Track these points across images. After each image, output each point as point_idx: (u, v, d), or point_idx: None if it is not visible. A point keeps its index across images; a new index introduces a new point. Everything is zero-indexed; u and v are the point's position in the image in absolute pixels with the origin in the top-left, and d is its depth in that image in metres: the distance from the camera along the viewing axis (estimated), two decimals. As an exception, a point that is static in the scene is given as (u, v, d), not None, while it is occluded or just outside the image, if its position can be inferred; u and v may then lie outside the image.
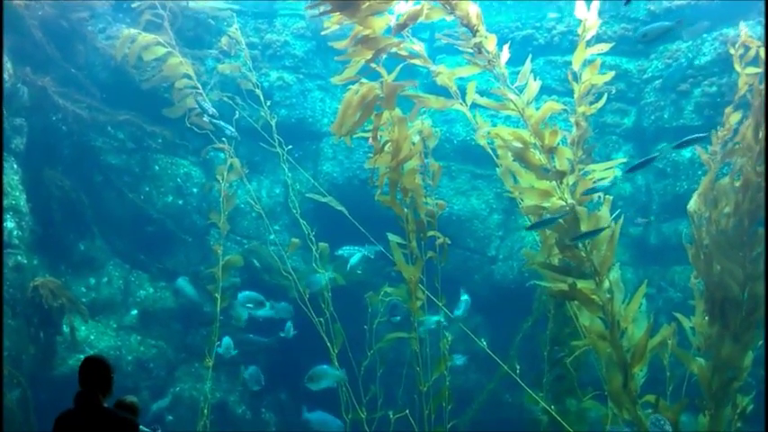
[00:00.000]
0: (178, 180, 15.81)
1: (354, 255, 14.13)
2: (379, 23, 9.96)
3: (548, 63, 16.12)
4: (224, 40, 15.24)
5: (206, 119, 13.98)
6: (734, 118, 11.01)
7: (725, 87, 14.86)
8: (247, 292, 14.38)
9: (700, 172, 14.77)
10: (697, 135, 10.65)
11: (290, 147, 13.68)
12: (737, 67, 10.74)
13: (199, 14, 15.97)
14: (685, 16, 15.66)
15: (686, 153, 15.22)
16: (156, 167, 15.74)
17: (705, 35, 15.58)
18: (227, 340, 13.99)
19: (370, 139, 12.09)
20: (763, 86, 10.26)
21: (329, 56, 16.41)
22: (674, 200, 15.26)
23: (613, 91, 13.30)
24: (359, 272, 14.25)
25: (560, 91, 15.15)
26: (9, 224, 13.33)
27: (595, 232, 9.85)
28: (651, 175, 15.71)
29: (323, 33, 11.09)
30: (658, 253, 15.47)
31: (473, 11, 9.36)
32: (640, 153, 15.76)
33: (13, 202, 13.52)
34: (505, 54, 9.90)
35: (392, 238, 11.27)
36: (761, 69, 10.81)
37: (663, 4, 16.00)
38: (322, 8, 9.86)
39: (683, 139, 10.86)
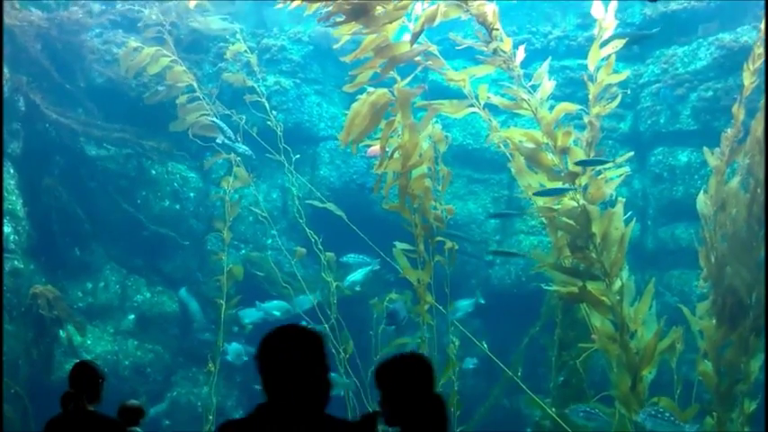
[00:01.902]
0: (175, 184, 15.73)
1: (358, 272, 13.98)
2: (393, 27, 9.90)
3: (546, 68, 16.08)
4: (228, 53, 15.15)
5: (220, 140, 13.94)
6: (741, 115, 10.99)
7: (721, 92, 14.93)
8: (276, 302, 14.24)
9: (696, 176, 14.85)
10: (598, 158, 10.66)
11: (297, 156, 13.63)
12: (751, 65, 10.71)
13: (201, 30, 15.91)
14: (682, 21, 15.80)
15: (683, 157, 15.29)
16: (153, 172, 15.64)
17: (701, 40, 15.66)
18: (235, 347, 13.86)
19: (371, 150, 12.06)
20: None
21: (326, 60, 16.40)
22: (670, 204, 15.33)
23: (628, 92, 13.35)
24: (357, 288, 14.09)
25: (558, 96, 15.02)
26: (6, 229, 13.26)
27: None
28: (648, 179, 15.76)
29: (335, 46, 11.03)
30: (655, 257, 15.50)
31: (490, 9, 9.33)
32: (637, 157, 15.79)
33: (10, 206, 13.45)
34: (521, 54, 9.88)
35: (399, 245, 11.22)
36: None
37: (659, 9, 16.05)
38: (336, 19, 9.75)
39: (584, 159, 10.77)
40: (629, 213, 10.44)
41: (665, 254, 15.32)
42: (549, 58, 10.44)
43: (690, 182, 15.01)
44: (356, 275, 13.91)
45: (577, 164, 9.95)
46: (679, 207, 14.79)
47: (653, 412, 9.93)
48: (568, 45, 16.56)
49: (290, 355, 4.11)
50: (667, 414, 9.89)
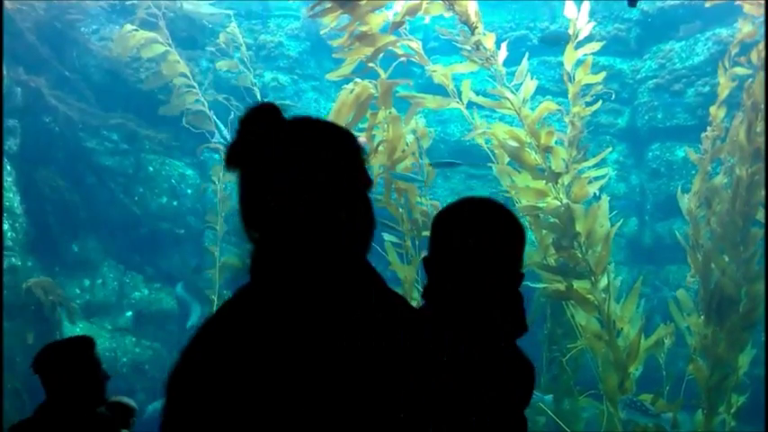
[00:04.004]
0: (172, 181, 15.79)
1: None
2: (378, 20, 9.94)
3: (541, 63, 16.10)
4: (222, 37, 15.15)
5: (216, 140, 13.98)
6: (720, 114, 11.03)
7: (718, 87, 14.90)
8: None
9: (693, 171, 14.82)
10: (453, 161, 10.74)
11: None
12: (727, 65, 10.78)
13: (192, 15, 15.95)
14: (679, 17, 15.78)
15: (680, 153, 15.28)
16: (150, 168, 15.72)
17: (698, 35, 15.66)
18: None
19: (363, 138, 12.08)
20: (761, 86, 10.26)
21: (323, 57, 16.42)
22: (667, 199, 15.29)
23: (613, 96, 13.36)
24: None
25: (554, 91, 15.15)
26: (3, 226, 13.32)
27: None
28: (645, 174, 15.77)
29: (322, 32, 11.08)
30: (652, 252, 15.52)
31: (472, 8, 9.36)
32: (634, 153, 15.82)
33: (7, 203, 13.52)
34: (503, 52, 9.89)
35: (388, 237, 11.22)
36: (750, 72, 10.84)
37: (656, 5, 16.04)
38: (321, 7, 9.80)
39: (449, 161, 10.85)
40: (614, 212, 10.45)
41: (663, 249, 15.32)
42: (527, 54, 10.43)
43: (687, 177, 14.95)
44: None
45: (432, 165, 10.44)
46: (676, 202, 14.73)
47: (628, 402, 10.00)
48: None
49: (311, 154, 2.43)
50: (639, 403, 9.95)
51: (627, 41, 16.20)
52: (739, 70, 10.77)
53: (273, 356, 2.20)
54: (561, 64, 15.64)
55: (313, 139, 2.37)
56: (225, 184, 14.07)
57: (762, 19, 10.71)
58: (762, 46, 10.46)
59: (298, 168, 2.30)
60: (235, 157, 2.39)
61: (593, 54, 10.44)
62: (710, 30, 15.53)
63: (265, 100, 14.18)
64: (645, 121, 15.88)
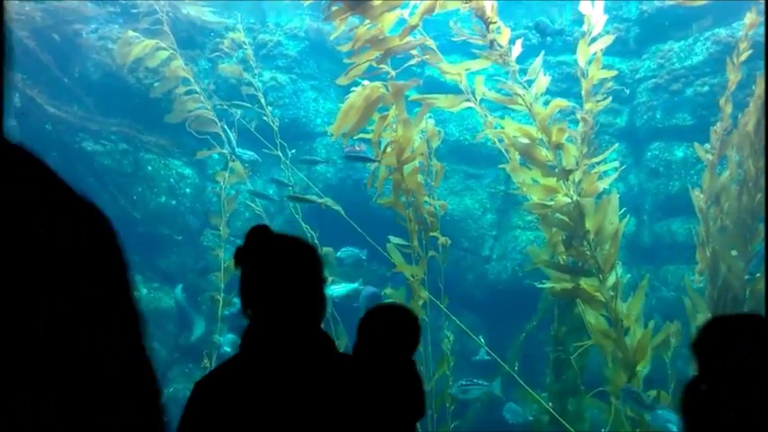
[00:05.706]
0: (171, 180, 15.71)
1: (341, 287, 13.83)
2: (390, 19, 9.89)
3: (542, 63, 16.04)
4: (226, 42, 15.12)
5: (227, 149, 13.94)
6: (728, 109, 11.07)
7: (717, 87, 14.93)
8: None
9: (692, 171, 14.85)
10: (366, 156, 10.96)
11: (293, 151, 13.62)
12: (735, 60, 10.81)
13: (194, 19, 15.91)
14: (678, 16, 15.80)
15: (679, 152, 15.30)
16: (149, 168, 15.62)
17: (697, 35, 15.68)
18: (232, 338, 13.82)
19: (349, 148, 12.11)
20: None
21: (322, 56, 16.40)
22: (666, 199, 15.34)
23: (627, 92, 13.41)
24: (336, 300, 14.01)
25: (554, 91, 15.02)
26: (1, 225, 13.22)
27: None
28: (644, 174, 15.77)
29: (332, 37, 11.03)
30: (651, 252, 15.51)
31: (488, 4, 9.33)
32: (633, 152, 15.82)
33: (5, 202, 13.42)
34: (517, 48, 9.88)
35: (394, 240, 11.21)
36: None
37: (655, 4, 16.06)
38: (334, 8, 9.73)
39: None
40: (623, 210, 10.44)
41: (662, 249, 15.33)
42: (543, 52, 10.42)
43: (686, 177, 15.00)
44: (339, 290, 13.79)
45: (347, 157, 11.17)
46: (675, 202, 14.82)
47: (628, 391, 10.04)
48: (565, 40, 16.53)
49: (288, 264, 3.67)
50: (636, 394, 9.99)
51: (626, 41, 16.20)
52: (745, 56, 10.79)
53: (267, 396, 3.48)
54: (561, 63, 15.92)
55: (291, 252, 3.69)
56: (229, 186, 14.04)
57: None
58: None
59: (279, 271, 3.62)
60: (239, 258, 3.65)
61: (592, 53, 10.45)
62: (709, 30, 15.54)
63: (264, 99, 14.34)
64: (644, 120, 15.87)
